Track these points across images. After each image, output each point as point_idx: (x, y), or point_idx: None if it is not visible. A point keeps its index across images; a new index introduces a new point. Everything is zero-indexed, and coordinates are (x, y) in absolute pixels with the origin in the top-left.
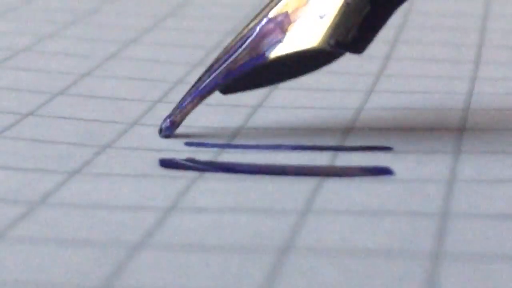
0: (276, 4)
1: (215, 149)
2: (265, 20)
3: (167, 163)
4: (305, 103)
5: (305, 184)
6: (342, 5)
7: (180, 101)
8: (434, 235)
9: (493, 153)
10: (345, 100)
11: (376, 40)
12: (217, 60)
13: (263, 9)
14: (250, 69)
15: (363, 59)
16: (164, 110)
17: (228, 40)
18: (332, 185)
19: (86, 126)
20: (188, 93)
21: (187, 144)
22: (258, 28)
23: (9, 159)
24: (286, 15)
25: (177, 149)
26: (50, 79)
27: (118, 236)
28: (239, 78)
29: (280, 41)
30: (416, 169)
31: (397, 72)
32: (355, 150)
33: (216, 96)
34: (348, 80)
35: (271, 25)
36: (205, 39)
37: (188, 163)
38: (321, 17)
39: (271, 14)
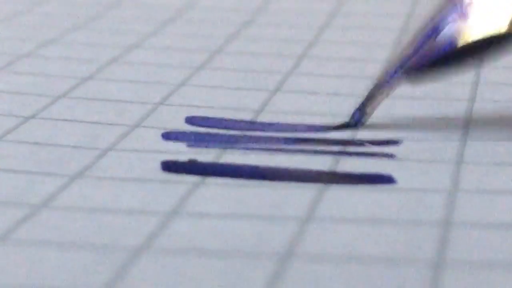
0: None
1: (217, 150)
2: (452, 9)
3: (168, 167)
4: (307, 108)
5: (307, 191)
6: None
7: (369, 94)
8: (436, 244)
9: (495, 162)
10: (347, 104)
11: (376, 44)
12: (403, 53)
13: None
14: (438, 58)
15: (363, 63)
16: (167, 113)
17: (230, 45)
18: (334, 192)
19: (88, 129)
20: (377, 85)
21: (190, 145)
22: (445, 18)
23: (11, 162)
24: (470, 2)
25: (179, 151)
26: (52, 83)
27: (119, 240)
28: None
29: (466, 28)
30: (418, 178)
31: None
32: (357, 155)
33: (219, 97)
34: (350, 84)
35: (457, 14)
36: (207, 43)
37: (190, 167)
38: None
39: (457, 3)
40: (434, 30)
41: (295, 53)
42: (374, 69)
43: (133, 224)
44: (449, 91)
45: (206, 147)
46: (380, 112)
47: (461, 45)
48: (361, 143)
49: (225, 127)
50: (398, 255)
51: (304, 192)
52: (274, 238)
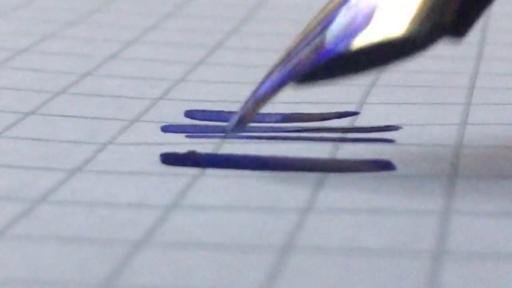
0: None
1: (217, 141)
2: (346, 6)
3: (168, 159)
4: (305, 98)
5: (307, 182)
6: None
7: (249, 102)
8: (435, 234)
9: (495, 148)
10: (347, 94)
11: None
12: (289, 51)
13: None
14: (328, 60)
15: None
16: (165, 108)
17: (229, 40)
18: (334, 182)
19: (87, 124)
20: (256, 89)
21: (188, 136)
22: (338, 14)
23: (10, 158)
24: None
25: (178, 143)
26: (51, 79)
27: (119, 234)
28: (314, 70)
29: (363, 29)
30: (418, 164)
31: (398, 67)
32: (357, 141)
33: (218, 92)
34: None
35: (352, 12)
36: (206, 39)
37: (189, 159)
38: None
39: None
40: (322, 30)
41: None
42: None
43: (132, 217)
44: (449, 79)
45: (205, 137)
46: (380, 97)
47: (354, 49)
48: (360, 129)
49: (225, 120)
50: (398, 245)
51: (303, 183)
52: (274, 230)
